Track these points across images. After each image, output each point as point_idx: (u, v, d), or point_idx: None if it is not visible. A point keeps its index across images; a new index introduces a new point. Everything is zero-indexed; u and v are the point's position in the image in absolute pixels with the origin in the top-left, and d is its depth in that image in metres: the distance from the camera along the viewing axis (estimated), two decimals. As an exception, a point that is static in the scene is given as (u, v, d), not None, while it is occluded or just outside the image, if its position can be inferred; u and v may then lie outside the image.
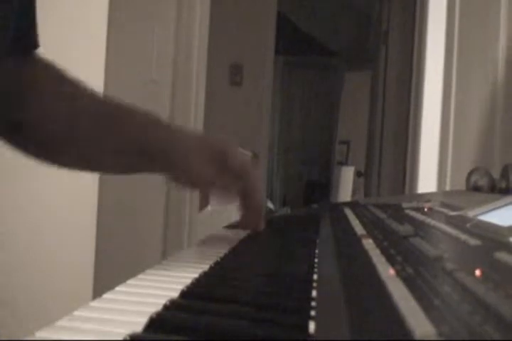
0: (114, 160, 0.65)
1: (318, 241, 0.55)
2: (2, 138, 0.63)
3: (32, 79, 0.64)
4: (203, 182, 0.63)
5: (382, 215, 0.63)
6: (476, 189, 0.82)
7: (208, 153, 0.62)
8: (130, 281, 0.40)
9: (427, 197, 0.85)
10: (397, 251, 0.40)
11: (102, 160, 0.66)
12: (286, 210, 0.80)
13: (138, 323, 0.29)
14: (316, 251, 0.50)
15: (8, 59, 0.61)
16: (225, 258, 0.49)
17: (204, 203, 1.99)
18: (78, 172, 0.68)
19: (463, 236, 0.43)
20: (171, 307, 0.32)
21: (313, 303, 0.33)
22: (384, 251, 0.40)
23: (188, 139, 0.64)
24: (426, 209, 0.66)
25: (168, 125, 0.65)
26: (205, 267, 0.44)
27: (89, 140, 0.64)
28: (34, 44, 0.65)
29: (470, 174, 0.85)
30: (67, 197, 1.46)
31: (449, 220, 0.54)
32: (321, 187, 5.55)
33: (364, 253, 0.40)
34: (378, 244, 0.43)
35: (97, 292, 0.34)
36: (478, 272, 0.31)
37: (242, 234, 0.65)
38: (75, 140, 0.64)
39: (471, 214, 0.52)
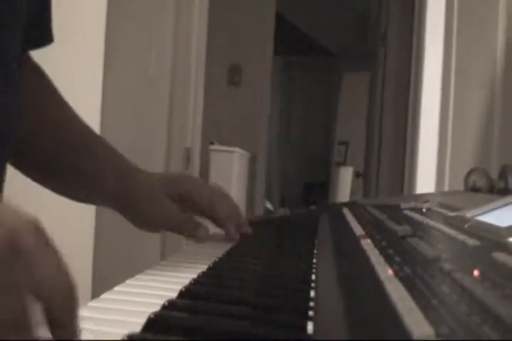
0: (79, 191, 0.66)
1: (316, 241, 0.56)
2: None
3: (35, 89, 0.63)
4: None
5: (380, 215, 0.63)
6: (475, 190, 0.82)
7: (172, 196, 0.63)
8: (129, 281, 0.40)
9: (425, 197, 0.85)
10: (396, 251, 0.40)
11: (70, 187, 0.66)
12: (285, 211, 0.79)
13: (136, 323, 0.29)
14: (315, 251, 0.50)
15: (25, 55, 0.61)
16: (223, 259, 0.49)
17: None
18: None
19: (461, 237, 0.43)
20: (169, 307, 0.32)
21: (311, 303, 0.33)
22: (382, 252, 0.40)
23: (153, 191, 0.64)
24: (424, 210, 0.66)
25: (137, 172, 0.65)
26: (204, 267, 0.44)
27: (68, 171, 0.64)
28: (49, 38, 0.63)
29: (468, 175, 0.85)
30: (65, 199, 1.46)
31: (448, 220, 0.54)
32: (319, 188, 5.55)
33: (362, 254, 0.40)
34: (377, 244, 0.43)
35: (96, 292, 0.34)
36: (476, 272, 0.31)
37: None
38: (59, 167, 0.64)
39: (469, 214, 0.53)
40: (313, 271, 0.42)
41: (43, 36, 0.63)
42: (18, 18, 0.54)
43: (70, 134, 0.64)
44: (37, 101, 0.63)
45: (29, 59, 0.64)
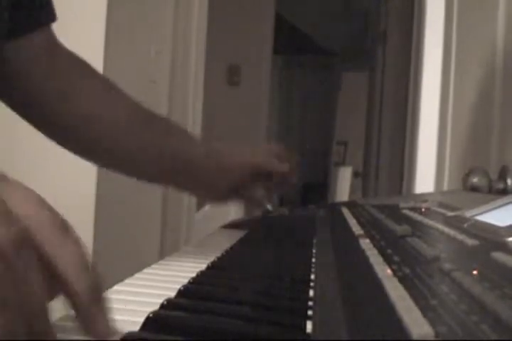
0: (144, 166, 0.66)
1: (315, 241, 0.55)
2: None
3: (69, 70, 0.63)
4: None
5: (379, 215, 0.63)
6: (474, 190, 0.82)
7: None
8: (127, 280, 0.40)
9: (424, 197, 0.85)
10: (395, 251, 0.40)
11: (131, 162, 0.66)
12: (284, 211, 0.80)
13: (135, 322, 0.29)
14: (314, 251, 0.50)
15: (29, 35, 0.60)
16: (222, 258, 0.49)
17: (202, 203, 1.99)
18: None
19: (460, 237, 0.43)
20: (168, 306, 0.32)
21: (310, 303, 0.33)
22: (381, 251, 0.40)
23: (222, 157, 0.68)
24: (423, 210, 0.66)
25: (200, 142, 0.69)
26: (203, 267, 0.44)
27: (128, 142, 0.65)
28: (52, 18, 0.64)
29: (467, 174, 0.85)
30: (64, 198, 1.46)
31: (447, 220, 0.54)
32: (318, 188, 5.55)
33: (361, 253, 0.40)
34: (376, 244, 0.43)
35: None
36: (475, 272, 0.31)
37: (239, 234, 0.65)
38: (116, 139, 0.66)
39: (468, 214, 0.53)
40: (312, 270, 0.42)
41: (46, 15, 0.63)
42: None
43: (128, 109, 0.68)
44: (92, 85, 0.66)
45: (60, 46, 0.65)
